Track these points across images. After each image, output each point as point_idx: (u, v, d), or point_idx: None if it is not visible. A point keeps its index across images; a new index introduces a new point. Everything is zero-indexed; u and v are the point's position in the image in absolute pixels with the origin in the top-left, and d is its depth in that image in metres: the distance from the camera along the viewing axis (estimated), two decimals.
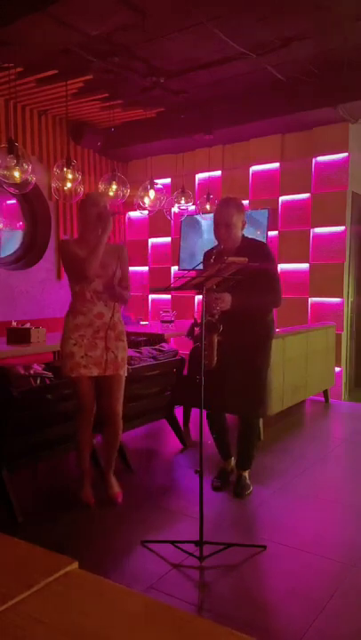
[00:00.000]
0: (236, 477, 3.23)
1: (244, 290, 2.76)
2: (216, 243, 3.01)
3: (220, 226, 2.95)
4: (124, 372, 2.94)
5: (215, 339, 2.71)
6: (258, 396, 3.14)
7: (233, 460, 3.36)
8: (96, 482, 3.12)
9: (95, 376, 2.87)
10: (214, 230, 3.00)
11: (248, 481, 3.21)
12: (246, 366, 3.02)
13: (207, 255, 3.11)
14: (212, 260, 2.79)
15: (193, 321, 2.71)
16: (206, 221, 6.10)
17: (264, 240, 5.67)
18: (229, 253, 2.84)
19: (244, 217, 3.02)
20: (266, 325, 3.09)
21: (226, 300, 2.78)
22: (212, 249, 2.99)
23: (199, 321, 2.62)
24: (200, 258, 3.39)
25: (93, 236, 2.86)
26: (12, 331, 4.05)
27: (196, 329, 2.61)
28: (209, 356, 2.69)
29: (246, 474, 3.24)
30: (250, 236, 3.14)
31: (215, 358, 2.74)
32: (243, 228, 3.02)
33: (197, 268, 2.83)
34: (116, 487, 3.05)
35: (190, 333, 2.71)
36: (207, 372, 2.55)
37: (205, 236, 6.14)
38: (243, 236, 3.04)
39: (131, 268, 3.53)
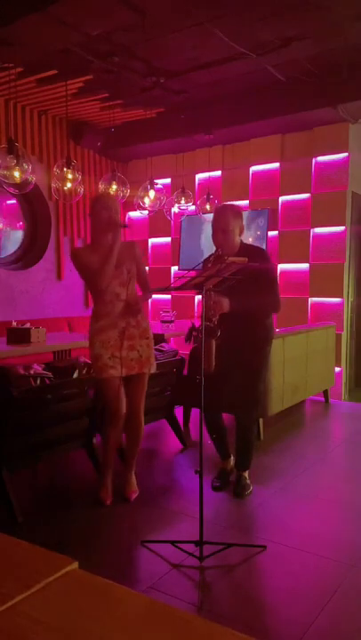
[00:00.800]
0: (236, 477, 3.23)
1: (242, 293, 2.78)
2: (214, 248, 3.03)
3: (218, 232, 2.98)
4: (149, 370, 2.99)
5: (213, 343, 2.72)
6: (253, 400, 3.15)
7: (232, 460, 3.36)
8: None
9: (121, 377, 2.90)
10: (212, 236, 3.04)
11: (248, 481, 3.21)
12: (244, 369, 3.05)
13: (206, 262, 3.10)
14: (210, 263, 2.82)
15: (191, 325, 2.72)
16: (207, 221, 6.10)
17: (263, 244, 5.68)
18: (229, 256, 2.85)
19: (242, 223, 3.05)
20: (265, 329, 3.10)
21: (224, 305, 2.79)
22: (210, 255, 3.02)
23: (197, 326, 2.64)
24: (200, 258, 3.39)
25: (105, 239, 2.89)
26: (12, 331, 4.05)
27: (194, 333, 2.62)
28: (207, 360, 2.69)
29: (246, 474, 3.24)
30: (250, 241, 3.15)
31: (214, 362, 2.74)
32: (240, 234, 3.05)
33: (197, 268, 2.84)
34: (134, 486, 3.08)
35: (188, 338, 2.73)
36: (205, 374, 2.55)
37: (206, 237, 6.14)
38: (241, 241, 3.06)
39: None
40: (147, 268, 6.87)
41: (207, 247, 5.96)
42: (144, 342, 2.96)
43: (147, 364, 2.97)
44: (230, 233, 2.96)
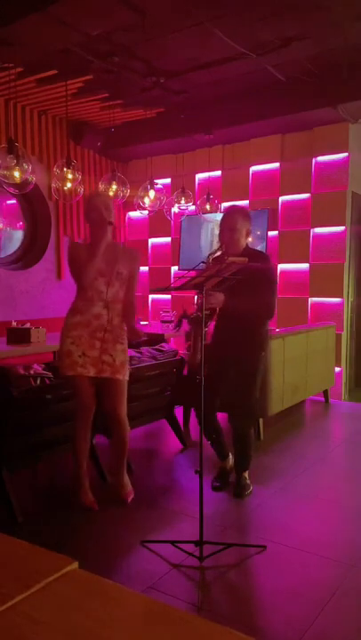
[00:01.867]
0: (236, 478, 3.23)
1: (238, 293, 2.80)
2: (215, 247, 3.08)
3: (225, 230, 3.02)
4: (123, 377, 2.90)
5: (203, 334, 2.69)
6: (248, 405, 3.13)
7: (231, 459, 3.36)
8: (97, 482, 3.12)
9: (92, 377, 2.86)
10: (219, 235, 3.08)
11: (248, 481, 3.22)
12: (239, 373, 3.07)
13: (210, 257, 3.11)
14: (210, 261, 2.88)
15: (182, 312, 2.73)
16: (207, 221, 6.10)
17: (264, 244, 5.69)
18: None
19: (249, 226, 3.07)
20: (260, 335, 3.11)
21: (218, 299, 2.81)
22: (214, 251, 3.05)
23: (189, 313, 2.65)
24: (200, 258, 3.40)
25: (97, 236, 2.88)
26: (12, 331, 4.05)
27: (184, 320, 2.63)
28: (193, 350, 2.72)
29: (246, 474, 3.24)
30: (249, 241, 3.17)
31: (199, 356, 2.69)
32: (247, 236, 3.07)
33: (197, 268, 2.85)
34: (128, 487, 3.04)
35: (179, 324, 2.76)
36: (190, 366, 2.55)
37: (206, 237, 6.14)
38: (247, 245, 3.09)
39: None
40: (146, 268, 6.95)
41: (207, 247, 5.96)
42: (119, 347, 2.89)
43: (121, 369, 2.89)
44: (237, 232, 2.99)
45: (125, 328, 2.97)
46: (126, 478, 3.07)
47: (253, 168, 6.02)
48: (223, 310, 2.92)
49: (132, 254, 3.03)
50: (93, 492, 2.99)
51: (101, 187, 4.86)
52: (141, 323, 5.73)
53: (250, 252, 3.05)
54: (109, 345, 2.87)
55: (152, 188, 4.95)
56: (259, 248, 5.27)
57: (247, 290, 2.81)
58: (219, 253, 3.04)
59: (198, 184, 6.41)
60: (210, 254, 3.04)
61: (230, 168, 6.18)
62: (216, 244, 3.15)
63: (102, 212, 2.85)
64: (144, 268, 6.94)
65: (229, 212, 3.09)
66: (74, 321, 2.87)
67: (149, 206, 5.02)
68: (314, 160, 5.61)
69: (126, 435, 2.98)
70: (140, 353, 3.66)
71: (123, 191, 4.86)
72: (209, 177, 6.17)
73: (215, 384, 3.01)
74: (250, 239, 3.12)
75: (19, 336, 3.98)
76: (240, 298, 2.85)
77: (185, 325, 2.78)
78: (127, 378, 2.94)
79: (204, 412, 3.13)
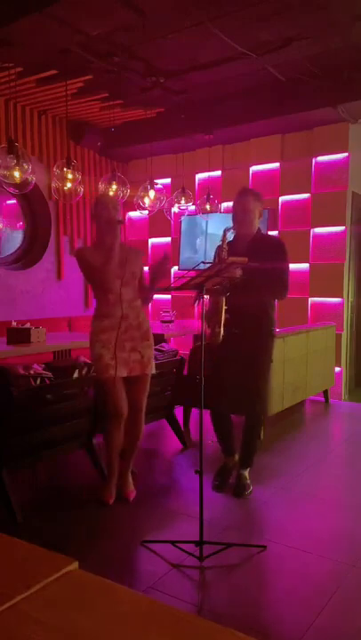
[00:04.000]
0: (237, 477, 3.23)
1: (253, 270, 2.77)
2: (219, 243, 3.07)
3: (238, 211, 3.06)
4: (150, 371, 3.00)
5: (223, 303, 2.76)
6: (260, 393, 3.19)
7: (235, 457, 3.37)
8: (98, 482, 3.12)
9: (124, 377, 2.91)
10: (233, 217, 3.10)
11: (248, 481, 3.22)
12: (250, 363, 3.09)
13: (218, 249, 3.12)
14: (224, 243, 2.89)
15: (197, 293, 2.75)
16: (206, 221, 6.10)
17: None
18: (244, 241, 3.00)
19: (261, 207, 3.12)
20: (269, 322, 3.14)
21: (237, 271, 2.74)
22: (223, 235, 3.02)
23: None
24: (200, 258, 3.42)
25: (107, 238, 2.91)
26: (12, 331, 4.05)
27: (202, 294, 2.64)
28: (213, 322, 2.75)
29: (247, 473, 3.24)
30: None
31: (221, 331, 2.76)
32: (259, 217, 3.12)
33: (197, 268, 2.85)
34: (131, 485, 3.08)
35: (198, 299, 2.77)
36: (210, 371, 2.56)
37: (206, 236, 6.14)
38: (259, 229, 3.14)
39: None
40: (146, 268, 6.91)
41: (207, 247, 5.95)
42: (146, 344, 2.98)
43: (148, 365, 2.98)
44: (250, 212, 3.03)
45: (148, 322, 3.05)
46: (130, 477, 3.10)
47: (253, 168, 6.02)
48: (232, 304, 2.90)
49: (137, 253, 3.09)
50: (93, 491, 3.01)
51: (101, 187, 4.86)
52: None
53: (263, 237, 3.14)
54: (137, 343, 2.93)
55: (152, 187, 4.95)
56: None
57: (263, 261, 2.79)
58: (232, 232, 3.04)
59: (198, 184, 6.41)
60: (225, 231, 3.01)
61: (230, 168, 6.18)
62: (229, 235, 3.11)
63: (111, 211, 2.89)
64: (144, 268, 6.93)
65: (242, 193, 3.10)
66: (102, 325, 2.91)
67: (149, 206, 5.02)
68: (314, 160, 5.61)
69: (142, 431, 3.08)
70: None
71: (123, 191, 4.86)
72: (209, 177, 6.17)
73: (227, 383, 3.10)
74: (261, 219, 3.15)
75: (19, 336, 3.98)
76: (255, 273, 2.80)
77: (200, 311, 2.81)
78: (154, 372, 3.03)
79: (219, 412, 3.22)
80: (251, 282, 2.79)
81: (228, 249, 2.97)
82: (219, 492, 3.17)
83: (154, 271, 2.97)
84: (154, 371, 3.04)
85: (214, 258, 3.14)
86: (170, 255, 2.95)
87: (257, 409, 3.22)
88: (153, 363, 3.03)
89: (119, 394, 2.91)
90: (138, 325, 2.95)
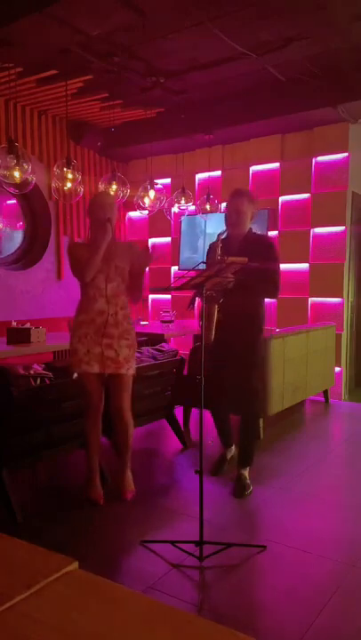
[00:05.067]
0: (237, 477, 3.24)
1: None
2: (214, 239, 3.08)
3: (232, 212, 3.11)
4: (127, 371, 2.93)
5: (215, 311, 2.79)
6: (254, 391, 3.25)
7: (233, 450, 3.49)
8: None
9: (97, 373, 2.89)
10: (226, 217, 3.15)
11: (248, 481, 3.22)
12: (243, 362, 3.15)
13: (213, 246, 3.15)
14: (220, 242, 2.91)
15: (193, 295, 2.79)
16: (206, 221, 6.10)
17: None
18: (236, 240, 3.05)
19: (254, 209, 3.16)
20: (260, 320, 3.20)
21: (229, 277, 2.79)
22: (217, 240, 3.05)
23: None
24: (200, 258, 3.43)
25: (98, 236, 2.91)
26: (12, 331, 4.05)
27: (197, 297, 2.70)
28: (207, 328, 2.78)
29: (246, 473, 3.25)
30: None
31: (213, 333, 2.81)
32: (252, 219, 3.15)
33: (197, 268, 2.86)
34: (129, 485, 3.07)
35: (192, 304, 2.83)
36: (209, 372, 2.60)
37: (206, 236, 6.13)
38: (250, 229, 3.17)
39: None
40: (147, 268, 6.92)
41: (207, 247, 5.95)
42: (123, 342, 2.91)
43: (124, 364, 2.91)
44: (243, 214, 3.09)
45: (131, 323, 3.01)
46: (129, 477, 3.09)
47: (253, 168, 6.02)
48: (223, 305, 2.93)
49: (127, 247, 3.06)
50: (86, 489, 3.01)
51: (101, 187, 4.85)
52: (141, 323, 5.74)
53: (255, 237, 3.17)
54: (114, 340, 2.89)
55: (152, 187, 4.95)
56: None
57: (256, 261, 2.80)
58: (225, 235, 3.06)
59: (198, 184, 6.41)
60: (219, 234, 3.03)
61: (230, 168, 6.18)
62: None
63: (107, 210, 2.90)
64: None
65: (236, 194, 3.15)
66: (79, 319, 2.92)
67: (149, 206, 5.02)
68: (314, 160, 5.61)
69: (130, 429, 3.03)
70: (141, 353, 3.66)
71: (123, 191, 4.86)
72: (209, 177, 6.17)
73: (224, 383, 3.21)
74: (253, 221, 3.20)
75: (19, 336, 3.98)
76: (249, 273, 2.82)
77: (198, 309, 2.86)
78: (132, 372, 2.97)
79: (220, 411, 3.33)
80: (244, 282, 2.82)
81: (214, 252, 3.01)
82: (213, 476, 3.33)
83: (137, 258, 2.97)
84: (132, 372, 2.96)
85: (207, 257, 3.18)
86: (156, 251, 2.98)
87: (252, 407, 3.27)
88: (132, 364, 2.95)
89: (94, 388, 2.92)
90: (116, 323, 2.89)
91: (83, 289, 2.96)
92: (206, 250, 3.29)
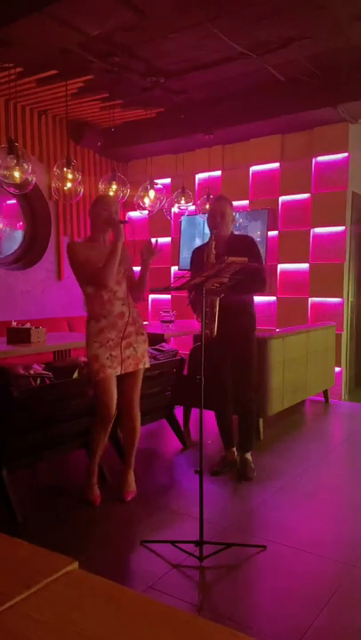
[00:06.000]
0: (240, 460, 3.42)
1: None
2: (203, 242, 3.36)
3: (216, 215, 3.31)
4: (144, 365, 3.01)
5: (217, 303, 2.93)
6: (252, 381, 3.44)
7: (234, 450, 3.54)
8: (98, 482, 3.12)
9: (117, 376, 2.91)
10: (209, 220, 3.35)
11: (252, 464, 3.39)
12: (240, 357, 3.35)
13: (196, 252, 3.41)
14: (212, 257, 3.05)
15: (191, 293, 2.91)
16: (205, 221, 6.09)
17: (264, 244, 5.69)
18: (222, 241, 3.21)
19: (233, 213, 3.44)
20: (250, 317, 3.39)
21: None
22: (202, 245, 3.34)
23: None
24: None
25: (101, 236, 2.94)
26: (12, 331, 4.05)
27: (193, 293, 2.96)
28: (212, 321, 2.92)
29: (249, 456, 3.43)
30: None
31: (216, 327, 2.93)
32: (232, 222, 3.43)
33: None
34: (130, 486, 3.08)
35: (190, 297, 2.99)
36: (210, 371, 2.63)
37: (205, 236, 6.13)
38: (232, 231, 3.40)
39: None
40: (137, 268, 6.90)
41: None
42: (140, 338, 2.99)
43: (142, 359, 3.00)
44: (227, 217, 3.31)
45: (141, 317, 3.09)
46: (131, 477, 3.10)
47: (253, 168, 6.02)
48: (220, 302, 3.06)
49: (126, 251, 3.04)
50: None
51: (101, 187, 4.86)
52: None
53: (237, 236, 3.42)
54: (132, 338, 2.94)
55: (152, 188, 4.95)
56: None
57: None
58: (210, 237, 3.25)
59: (198, 184, 6.41)
60: (210, 240, 3.17)
61: (230, 168, 6.18)
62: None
63: (112, 211, 2.91)
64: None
65: (219, 200, 3.42)
66: (100, 325, 2.87)
67: (149, 206, 5.02)
68: (314, 160, 5.61)
69: (138, 424, 3.08)
70: None
71: (123, 191, 4.86)
72: (209, 177, 6.17)
73: (225, 383, 3.41)
74: (234, 224, 3.52)
75: (19, 336, 3.98)
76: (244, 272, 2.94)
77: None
78: (148, 365, 3.05)
79: (223, 412, 3.49)
80: (239, 280, 2.86)
81: (209, 250, 3.12)
82: (213, 476, 3.37)
83: (143, 253, 2.99)
84: (148, 365, 3.04)
85: (192, 260, 3.42)
86: (157, 245, 3.01)
87: (250, 395, 3.45)
88: (147, 357, 3.04)
89: (112, 394, 2.89)
90: (132, 320, 2.95)
91: (91, 294, 2.90)
92: (190, 255, 3.51)
